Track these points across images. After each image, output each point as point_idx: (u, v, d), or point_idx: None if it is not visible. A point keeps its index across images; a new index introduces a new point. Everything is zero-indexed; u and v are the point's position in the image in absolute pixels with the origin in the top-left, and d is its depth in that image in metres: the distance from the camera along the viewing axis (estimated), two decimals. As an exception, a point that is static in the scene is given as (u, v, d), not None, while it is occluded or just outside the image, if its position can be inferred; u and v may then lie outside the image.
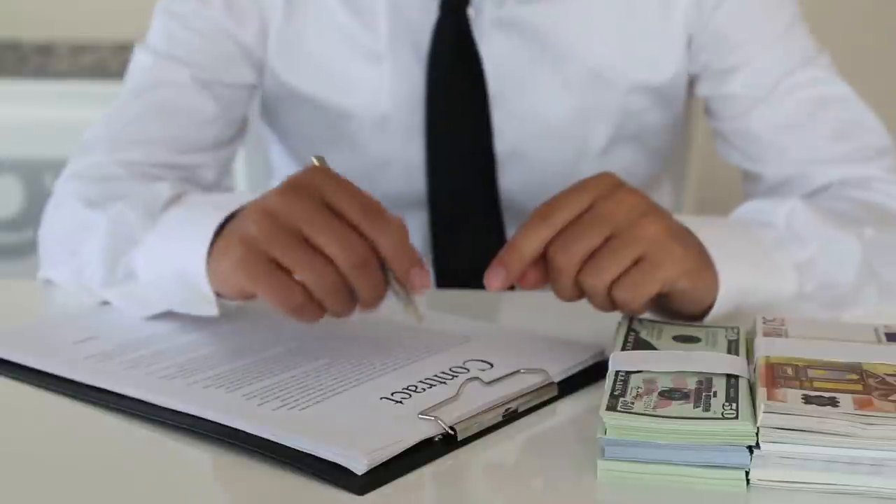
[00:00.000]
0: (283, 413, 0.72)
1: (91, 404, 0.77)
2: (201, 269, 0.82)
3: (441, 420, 0.70)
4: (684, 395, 0.68)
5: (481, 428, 0.72)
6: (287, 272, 0.75)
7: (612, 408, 0.66)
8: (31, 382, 0.80)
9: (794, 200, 0.93)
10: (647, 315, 0.84)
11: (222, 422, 0.71)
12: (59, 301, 1.00)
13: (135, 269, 0.89)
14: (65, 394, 0.78)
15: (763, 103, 1.09)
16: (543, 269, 0.80)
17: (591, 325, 0.86)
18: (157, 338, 0.86)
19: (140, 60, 1.11)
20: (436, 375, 0.78)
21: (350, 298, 0.76)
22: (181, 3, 1.11)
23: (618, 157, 1.15)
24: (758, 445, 0.65)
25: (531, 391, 0.76)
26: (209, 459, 0.70)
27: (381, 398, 0.74)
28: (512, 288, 0.81)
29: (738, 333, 0.79)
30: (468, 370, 0.79)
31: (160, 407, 0.74)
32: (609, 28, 1.10)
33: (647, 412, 0.66)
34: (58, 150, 1.33)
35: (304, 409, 0.73)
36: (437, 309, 0.94)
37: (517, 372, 0.78)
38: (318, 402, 0.74)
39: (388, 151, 1.13)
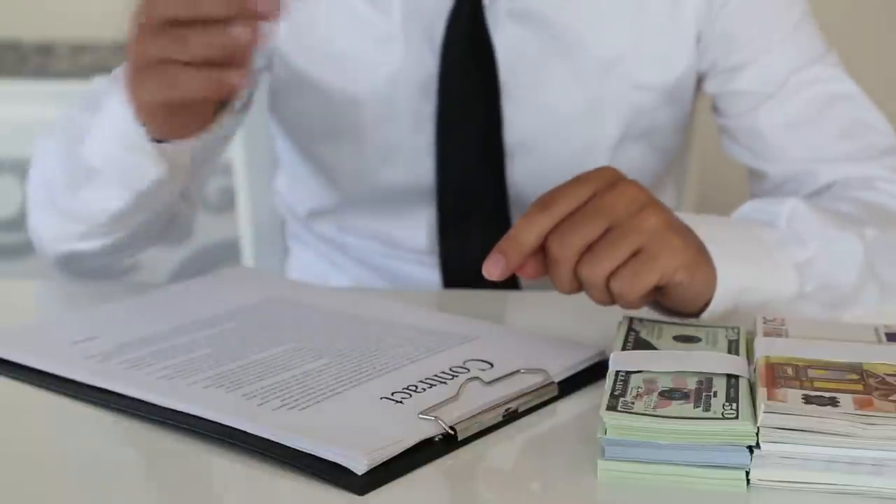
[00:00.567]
0: (283, 413, 0.72)
1: (91, 404, 0.77)
2: (126, 112, 0.87)
3: (441, 420, 0.70)
4: (684, 395, 0.68)
5: (481, 428, 0.72)
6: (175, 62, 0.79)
7: (612, 408, 0.66)
8: (31, 382, 0.80)
9: (796, 200, 0.93)
10: (647, 315, 0.84)
11: (222, 422, 0.71)
12: (59, 301, 1.00)
13: (91, 162, 0.94)
14: (65, 394, 0.78)
15: (770, 101, 1.09)
16: (543, 260, 0.80)
17: (592, 325, 0.86)
18: (157, 338, 0.86)
19: None
20: (436, 375, 0.78)
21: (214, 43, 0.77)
22: None
23: (627, 155, 1.15)
24: (758, 445, 0.65)
25: (531, 391, 0.76)
26: (209, 459, 0.70)
27: (381, 398, 0.74)
28: (515, 286, 0.81)
29: (738, 333, 0.79)
30: (468, 370, 0.79)
31: (160, 407, 0.74)
32: (621, 22, 1.10)
33: (647, 412, 0.66)
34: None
35: (304, 409, 0.73)
36: (439, 309, 0.94)
37: (517, 372, 0.78)
38: (318, 402, 0.74)
39: (396, 139, 1.13)
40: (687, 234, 0.82)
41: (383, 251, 1.20)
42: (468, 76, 1.10)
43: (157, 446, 0.72)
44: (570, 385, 0.79)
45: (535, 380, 0.77)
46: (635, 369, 0.72)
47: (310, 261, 1.28)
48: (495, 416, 0.73)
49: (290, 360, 0.81)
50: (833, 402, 0.65)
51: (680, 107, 1.16)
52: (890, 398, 0.66)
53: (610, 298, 0.80)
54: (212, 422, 0.71)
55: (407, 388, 0.76)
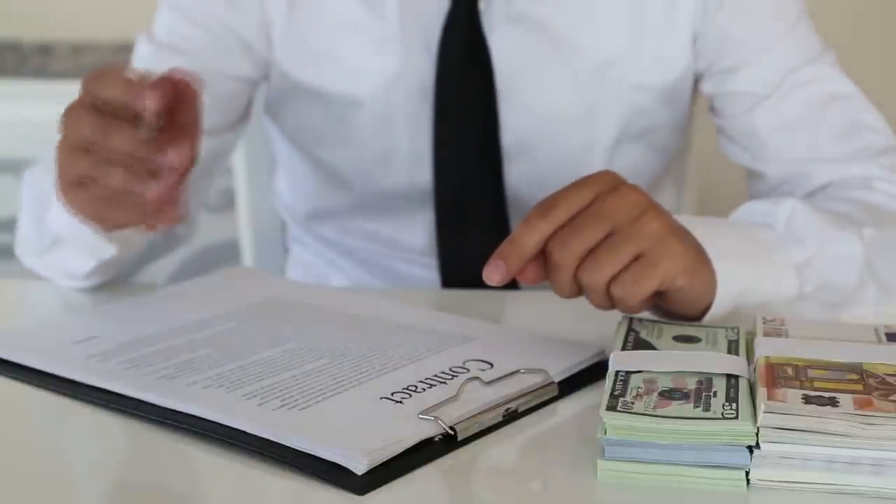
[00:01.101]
0: (283, 413, 0.72)
1: (91, 404, 0.77)
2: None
3: (441, 420, 0.70)
4: (684, 395, 0.68)
5: (481, 428, 0.72)
6: (96, 184, 0.79)
7: (612, 408, 0.66)
8: (31, 382, 0.80)
9: (794, 201, 0.93)
10: (647, 315, 0.84)
11: (222, 422, 0.71)
12: (58, 301, 1.00)
13: (56, 229, 0.96)
14: (65, 394, 0.78)
15: (767, 101, 1.09)
16: (543, 265, 0.80)
17: (591, 325, 0.86)
18: (157, 338, 0.86)
19: (142, 50, 1.13)
20: (436, 375, 0.78)
21: (136, 168, 0.77)
22: None
23: (624, 156, 1.14)
24: (758, 445, 0.65)
25: (531, 391, 0.76)
26: (209, 459, 0.70)
27: (381, 398, 0.74)
28: (514, 286, 0.81)
29: (738, 333, 0.79)
30: (468, 370, 0.79)
31: (160, 407, 0.74)
32: (617, 24, 1.10)
33: (647, 412, 0.66)
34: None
35: (304, 409, 0.73)
36: (437, 309, 0.94)
37: (517, 372, 0.78)
38: (318, 402, 0.74)
39: (394, 143, 1.13)
40: (686, 238, 0.82)
41: (383, 252, 1.20)
42: (465, 80, 1.10)
43: (157, 446, 0.72)
44: (570, 385, 0.79)
45: (534, 380, 0.77)
46: (635, 369, 0.72)
47: (310, 261, 1.28)
48: (495, 416, 0.73)
49: (290, 360, 0.81)
50: (833, 402, 0.65)
51: (677, 107, 1.16)
52: (890, 398, 0.66)
53: (610, 303, 0.80)
54: (212, 422, 0.71)
55: (407, 388, 0.76)
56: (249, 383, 0.77)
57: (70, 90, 0.80)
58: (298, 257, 1.31)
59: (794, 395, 0.66)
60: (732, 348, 0.76)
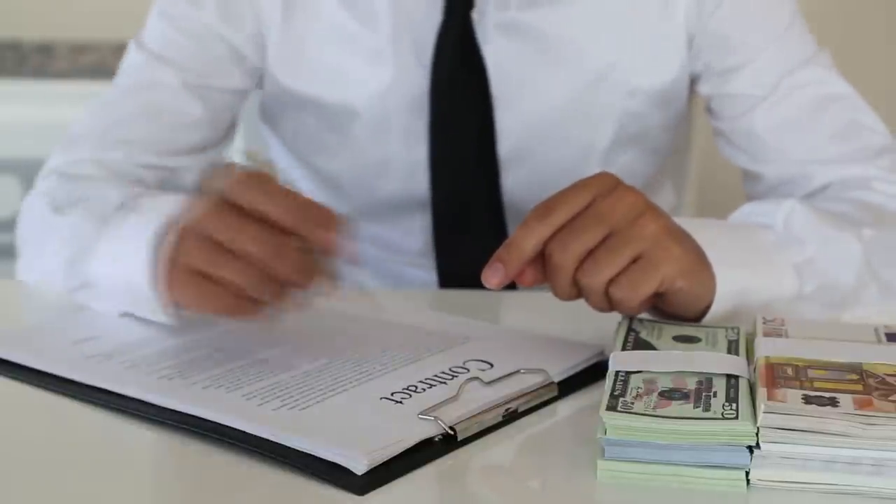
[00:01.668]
0: (283, 413, 0.72)
1: (91, 404, 0.77)
2: (144, 281, 0.84)
3: (441, 420, 0.70)
4: (684, 396, 0.68)
5: (481, 428, 0.72)
6: (214, 280, 0.77)
7: (612, 408, 0.66)
8: (31, 382, 0.80)
9: (793, 202, 0.93)
10: (646, 315, 0.84)
11: (222, 422, 0.71)
12: (59, 301, 1.00)
13: (89, 279, 0.91)
14: (65, 394, 0.78)
15: (764, 103, 1.09)
16: (542, 267, 0.80)
17: (591, 325, 0.86)
18: (157, 338, 0.86)
19: (132, 58, 1.12)
20: (436, 375, 0.78)
21: (276, 285, 0.77)
22: (173, 5, 1.11)
23: (620, 158, 1.15)
24: (758, 445, 0.65)
25: (531, 391, 0.76)
26: (209, 459, 0.70)
27: (381, 398, 0.74)
28: (513, 287, 0.81)
29: (738, 333, 0.79)
30: (468, 370, 0.79)
31: (160, 407, 0.74)
32: (611, 31, 1.10)
33: (647, 412, 0.66)
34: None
35: (304, 409, 0.73)
36: (437, 309, 0.94)
37: (517, 372, 0.78)
38: (318, 402, 0.74)
39: (390, 153, 1.13)
40: (685, 239, 0.82)
41: (381, 255, 1.20)
42: (459, 90, 1.10)
43: (157, 446, 0.72)
44: (570, 385, 0.79)
45: (534, 380, 0.78)
46: (635, 369, 0.72)
47: (309, 262, 1.28)
48: (495, 417, 0.73)
49: (290, 360, 0.81)
50: (833, 403, 0.65)
51: (672, 109, 1.16)
52: (890, 398, 0.66)
53: (609, 305, 0.80)
54: (212, 422, 0.71)
55: (407, 389, 0.76)
56: (249, 383, 0.77)
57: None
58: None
59: (794, 395, 0.66)
60: (732, 348, 0.76)
